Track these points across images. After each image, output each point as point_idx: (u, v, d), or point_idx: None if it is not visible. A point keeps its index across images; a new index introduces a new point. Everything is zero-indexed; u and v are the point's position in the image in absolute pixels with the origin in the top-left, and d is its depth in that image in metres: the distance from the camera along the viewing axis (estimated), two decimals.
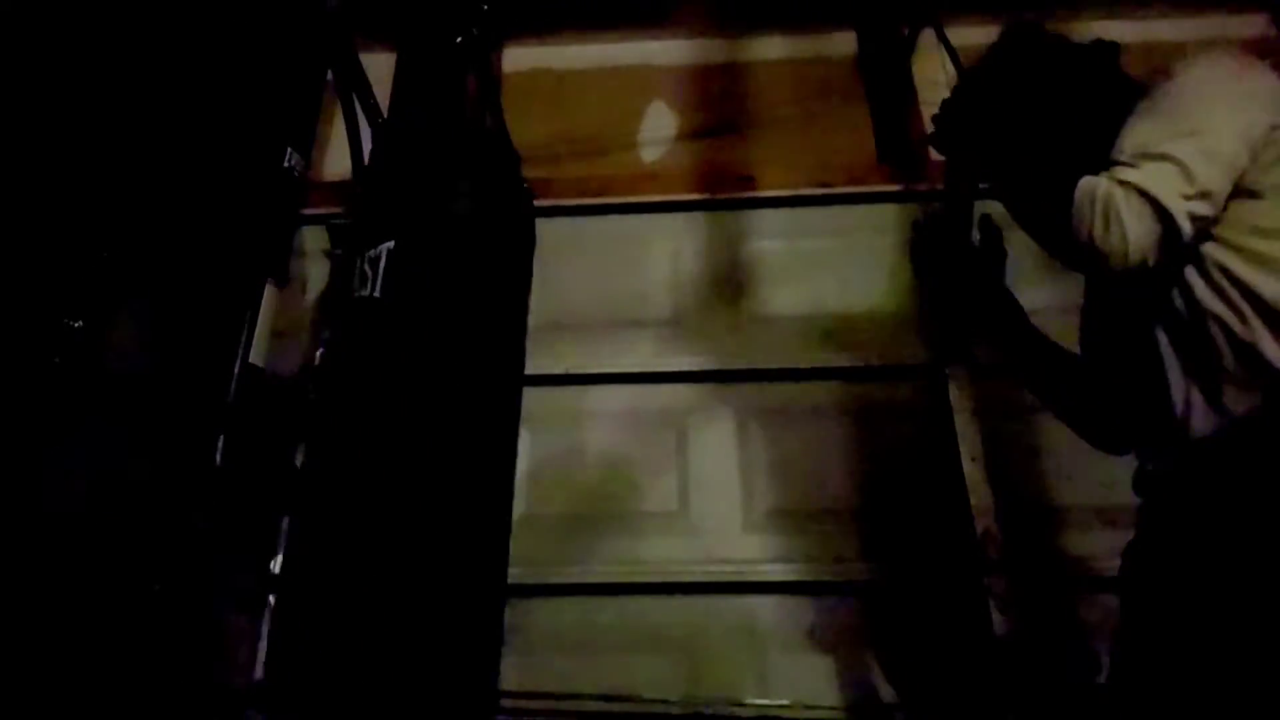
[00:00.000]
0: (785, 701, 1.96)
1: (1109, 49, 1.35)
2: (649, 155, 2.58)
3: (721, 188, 2.49)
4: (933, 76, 2.49)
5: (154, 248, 1.63)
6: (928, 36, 2.58)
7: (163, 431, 1.50)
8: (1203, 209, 1.09)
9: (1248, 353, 1.10)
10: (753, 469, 2.18)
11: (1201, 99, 1.15)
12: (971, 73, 1.49)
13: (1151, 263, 1.09)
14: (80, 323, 1.52)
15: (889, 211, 2.40)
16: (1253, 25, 2.56)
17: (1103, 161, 1.15)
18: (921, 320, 2.25)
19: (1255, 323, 1.09)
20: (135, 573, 1.45)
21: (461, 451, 1.61)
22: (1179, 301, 1.16)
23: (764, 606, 2.05)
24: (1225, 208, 1.12)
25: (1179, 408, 1.17)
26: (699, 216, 2.47)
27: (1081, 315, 1.46)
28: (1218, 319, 1.12)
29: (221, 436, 1.53)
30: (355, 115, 2.17)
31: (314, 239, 2.38)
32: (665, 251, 2.43)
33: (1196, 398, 1.15)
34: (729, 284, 2.38)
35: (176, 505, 1.47)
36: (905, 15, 2.62)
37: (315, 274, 2.38)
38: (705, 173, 2.51)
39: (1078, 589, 1.99)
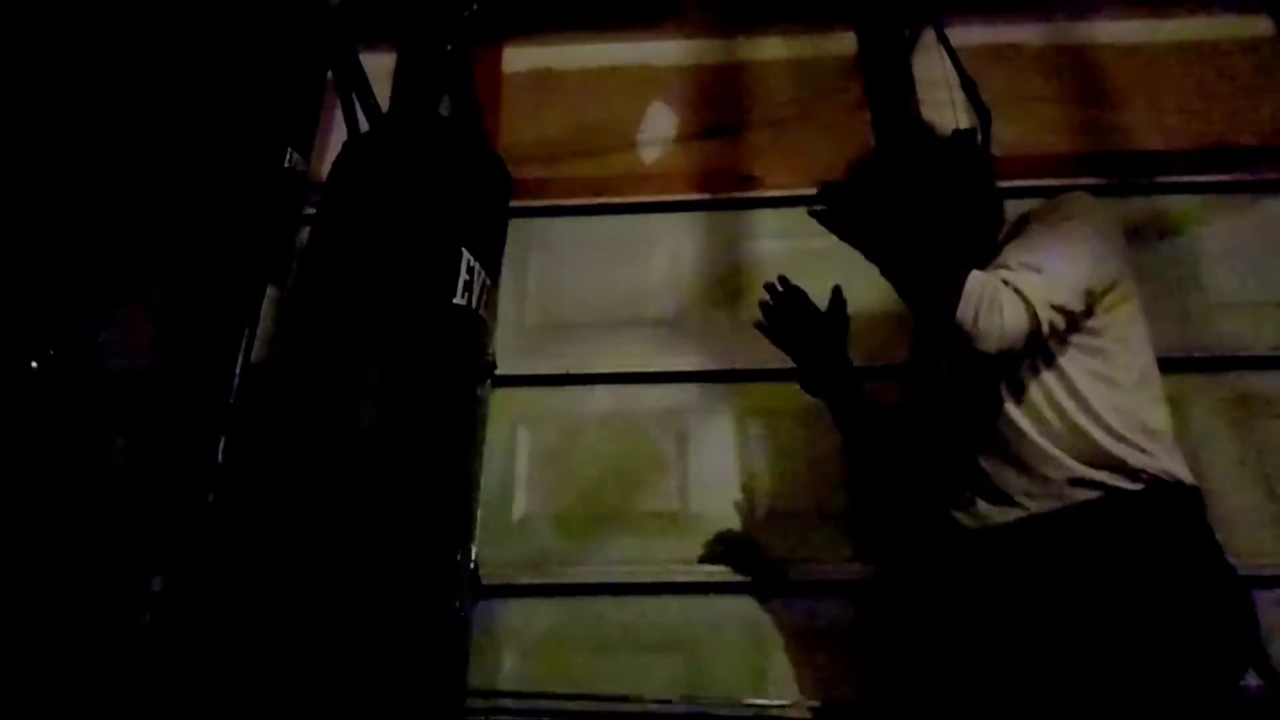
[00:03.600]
0: (785, 701, 1.96)
1: (968, 136, 1.64)
2: (649, 155, 2.58)
3: (721, 188, 2.49)
4: (933, 76, 2.49)
5: (155, 248, 1.63)
6: (928, 36, 2.59)
7: (163, 431, 1.50)
8: (1059, 321, 1.37)
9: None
10: (753, 469, 2.18)
11: (1074, 240, 1.43)
12: (865, 163, 1.76)
13: (1016, 351, 1.36)
14: (78, 321, 1.53)
15: None
16: (1253, 26, 2.56)
17: (976, 249, 1.47)
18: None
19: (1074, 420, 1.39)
20: (134, 572, 1.44)
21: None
22: (1011, 388, 1.45)
23: (764, 606, 2.05)
24: (1075, 328, 1.41)
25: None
26: (699, 216, 2.47)
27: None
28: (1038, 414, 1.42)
29: (223, 437, 1.53)
30: (355, 115, 2.18)
31: None
32: (665, 251, 2.43)
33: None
34: (729, 284, 2.38)
35: (178, 505, 1.47)
36: (905, 15, 2.62)
37: None
38: (705, 173, 2.51)
39: None
